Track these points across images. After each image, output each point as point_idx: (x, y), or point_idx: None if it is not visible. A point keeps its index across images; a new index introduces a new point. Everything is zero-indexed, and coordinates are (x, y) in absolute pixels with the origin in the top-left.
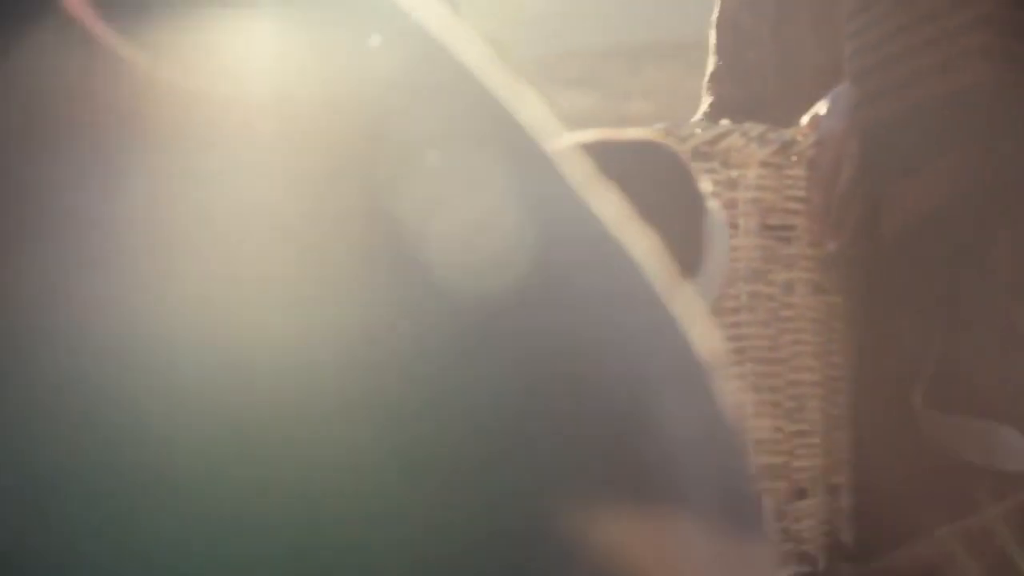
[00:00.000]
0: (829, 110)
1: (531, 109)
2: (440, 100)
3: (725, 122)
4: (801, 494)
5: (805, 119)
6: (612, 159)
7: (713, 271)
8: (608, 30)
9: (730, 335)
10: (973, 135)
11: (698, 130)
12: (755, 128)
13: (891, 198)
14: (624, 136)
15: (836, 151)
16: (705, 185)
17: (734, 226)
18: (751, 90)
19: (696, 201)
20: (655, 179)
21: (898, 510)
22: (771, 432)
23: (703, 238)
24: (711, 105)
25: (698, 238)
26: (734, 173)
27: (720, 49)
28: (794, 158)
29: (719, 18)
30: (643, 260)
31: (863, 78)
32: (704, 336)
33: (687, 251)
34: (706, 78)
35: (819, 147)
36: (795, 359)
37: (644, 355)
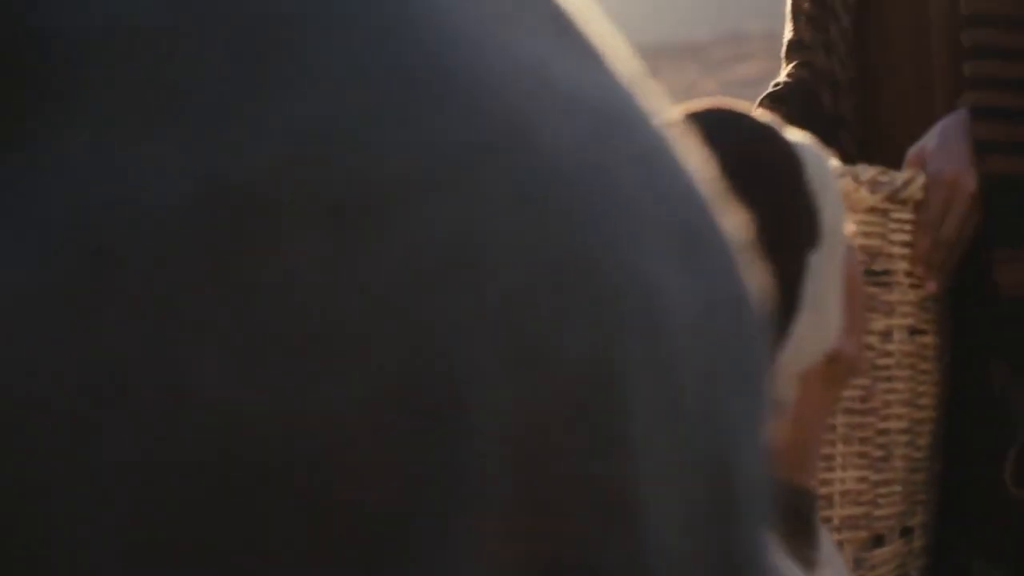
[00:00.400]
0: (939, 146)
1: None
2: None
3: (836, 163)
4: (879, 541)
5: (912, 152)
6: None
7: (832, 224)
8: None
9: None
10: None
11: None
12: (867, 171)
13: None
14: (693, 108)
15: (946, 195)
16: (796, 135)
17: None
18: (831, 64)
19: (789, 163)
20: (737, 152)
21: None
22: (856, 483)
23: (808, 198)
24: (795, 69)
25: (804, 200)
26: None
27: (797, 18)
28: (902, 202)
29: None
30: (681, 153)
31: (989, 118)
32: (737, 232)
33: (798, 218)
34: (784, 47)
35: (928, 190)
36: (886, 408)
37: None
